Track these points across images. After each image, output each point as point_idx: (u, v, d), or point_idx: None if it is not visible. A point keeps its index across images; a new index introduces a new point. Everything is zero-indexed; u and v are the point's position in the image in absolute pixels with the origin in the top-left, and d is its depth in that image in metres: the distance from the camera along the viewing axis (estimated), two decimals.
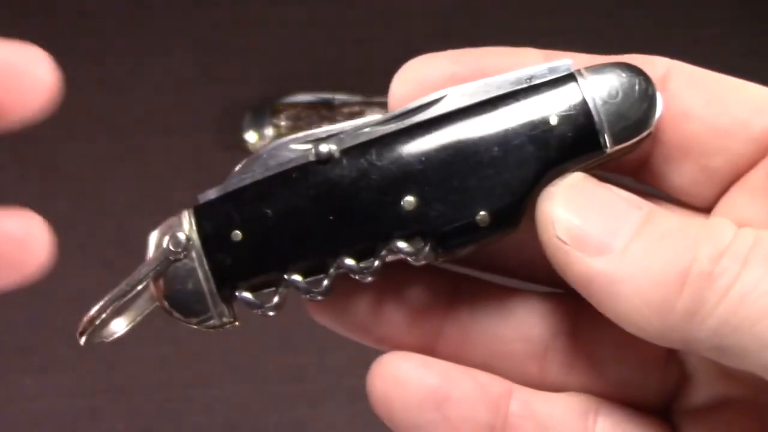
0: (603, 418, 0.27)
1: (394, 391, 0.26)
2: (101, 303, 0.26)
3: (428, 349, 0.27)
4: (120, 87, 0.69)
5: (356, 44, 0.70)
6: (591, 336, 0.27)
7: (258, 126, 0.68)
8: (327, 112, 0.68)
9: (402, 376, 0.26)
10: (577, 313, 0.27)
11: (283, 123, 0.68)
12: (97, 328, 0.26)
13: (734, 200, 0.26)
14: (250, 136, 0.68)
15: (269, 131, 0.68)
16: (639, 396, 0.28)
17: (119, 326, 0.26)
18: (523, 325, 0.28)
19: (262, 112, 0.68)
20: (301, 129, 0.70)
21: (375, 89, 0.65)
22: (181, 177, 0.65)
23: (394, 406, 0.26)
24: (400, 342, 0.28)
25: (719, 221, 0.24)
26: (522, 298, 0.28)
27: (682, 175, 0.26)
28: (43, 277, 0.27)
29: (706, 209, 0.27)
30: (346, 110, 0.67)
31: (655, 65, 0.26)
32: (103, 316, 0.26)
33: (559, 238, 0.24)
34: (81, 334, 0.26)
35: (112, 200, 0.67)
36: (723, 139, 0.26)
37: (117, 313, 0.26)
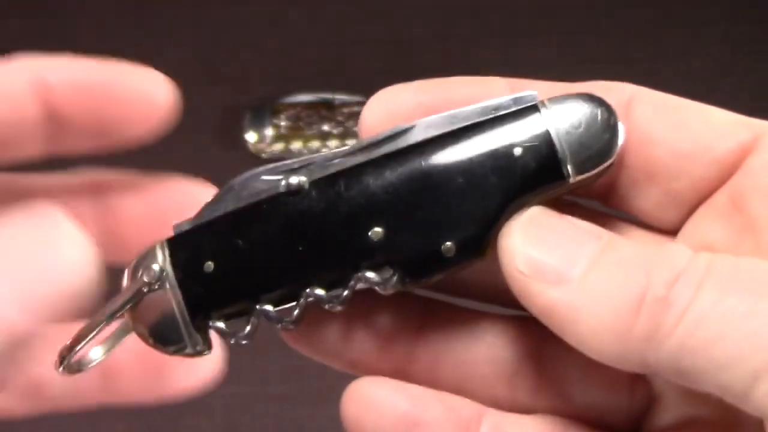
0: None
1: (366, 415, 0.27)
2: (77, 333, 0.26)
3: (400, 373, 0.28)
4: None
5: (356, 44, 0.71)
6: (558, 359, 0.28)
7: (258, 126, 0.68)
8: (327, 112, 0.68)
9: (374, 401, 0.27)
10: (545, 336, 0.27)
11: (283, 123, 0.68)
12: (73, 357, 0.26)
13: (699, 223, 0.27)
14: (250, 136, 0.68)
15: (269, 131, 0.68)
16: (608, 417, 0.28)
17: (96, 354, 0.27)
18: (492, 348, 0.28)
19: (262, 112, 0.68)
20: (301, 129, 0.70)
21: (375, 89, 0.65)
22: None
23: (366, 429, 0.27)
24: (372, 367, 0.28)
25: (674, 247, 0.24)
26: (491, 322, 0.28)
27: (648, 199, 0.27)
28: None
29: (672, 232, 0.27)
30: (346, 110, 0.67)
31: (618, 92, 0.27)
32: (80, 346, 0.26)
33: (520, 271, 0.25)
34: (59, 365, 0.26)
35: None
36: (686, 162, 0.26)
37: (94, 342, 0.27)
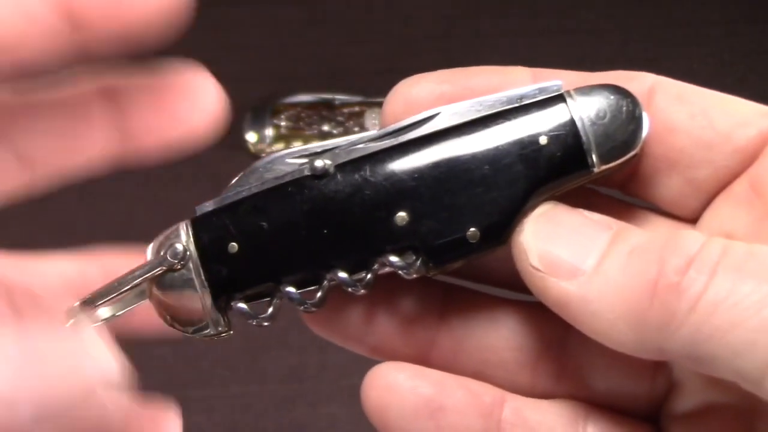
0: (592, 425, 0.28)
1: (388, 400, 0.27)
2: (94, 291, 0.27)
3: (422, 358, 0.28)
4: None
5: (356, 44, 0.70)
6: (581, 346, 0.28)
7: (258, 126, 0.68)
8: (327, 112, 0.68)
9: (396, 386, 0.27)
10: (567, 323, 0.27)
11: (283, 123, 0.68)
12: (84, 312, 0.27)
13: (719, 211, 0.27)
14: (250, 136, 0.68)
15: (269, 131, 0.68)
16: (628, 403, 0.28)
17: (105, 313, 0.27)
18: (515, 335, 0.28)
19: (262, 112, 0.68)
20: (301, 129, 0.70)
21: (375, 89, 0.65)
22: (181, 177, 0.65)
23: (389, 415, 0.27)
24: (394, 351, 0.28)
25: (686, 233, 0.24)
26: (513, 308, 0.29)
27: (668, 187, 0.27)
28: None
29: (692, 220, 0.27)
30: (346, 110, 0.67)
31: (640, 81, 0.27)
32: (94, 306, 0.27)
33: (533, 266, 0.25)
34: (69, 317, 0.27)
35: (112, 200, 0.67)
36: (707, 151, 0.26)
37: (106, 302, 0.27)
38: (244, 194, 0.27)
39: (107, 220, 0.65)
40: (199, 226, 0.27)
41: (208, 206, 0.27)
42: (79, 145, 0.26)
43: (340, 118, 0.67)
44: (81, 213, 0.65)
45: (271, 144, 0.67)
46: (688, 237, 0.24)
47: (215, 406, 0.62)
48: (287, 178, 0.26)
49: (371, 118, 0.66)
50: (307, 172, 0.26)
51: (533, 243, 0.25)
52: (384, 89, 0.28)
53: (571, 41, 0.71)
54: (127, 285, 0.27)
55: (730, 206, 0.26)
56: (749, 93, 0.28)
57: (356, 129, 0.67)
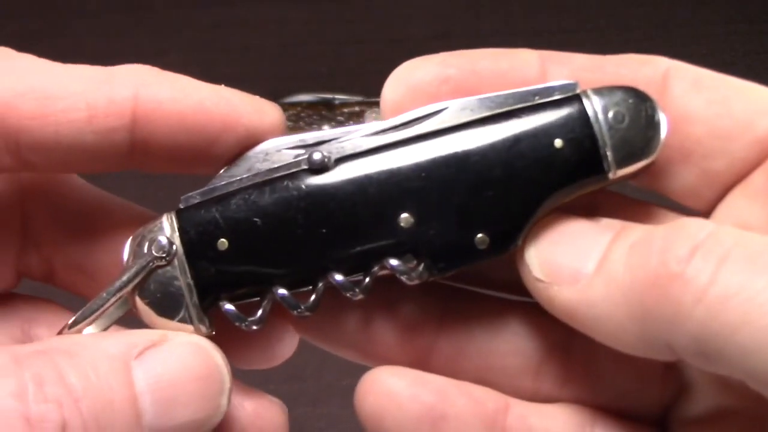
0: (599, 431, 0.27)
1: (387, 407, 0.26)
2: (81, 312, 0.25)
3: (421, 364, 0.27)
4: None
5: (356, 44, 0.70)
6: (586, 349, 0.27)
7: None
8: (327, 112, 0.68)
9: (395, 393, 0.26)
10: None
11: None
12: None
13: (734, 203, 0.25)
14: None
15: None
16: (636, 407, 0.27)
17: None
18: (518, 339, 0.27)
19: None
20: (301, 129, 0.70)
21: (375, 89, 0.65)
22: (181, 177, 0.65)
23: (387, 423, 0.26)
24: (392, 358, 0.27)
25: (692, 220, 0.23)
26: (515, 311, 0.27)
27: (682, 178, 0.26)
28: None
29: (706, 213, 0.26)
30: (346, 110, 0.67)
31: (655, 65, 0.26)
32: (85, 323, 0.25)
33: (537, 279, 0.24)
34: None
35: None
36: (725, 141, 0.25)
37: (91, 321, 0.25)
38: (236, 186, 0.25)
39: None
40: (186, 219, 0.25)
41: (195, 198, 0.25)
42: None
43: (340, 118, 0.67)
44: None
45: None
46: (694, 224, 0.22)
47: None
48: (283, 171, 0.25)
49: (371, 118, 0.66)
50: (304, 165, 0.25)
51: (535, 254, 0.24)
52: None
53: (571, 41, 0.71)
54: (115, 295, 0.25)
55: (747, 199, 0.25)
56: None
57: None
